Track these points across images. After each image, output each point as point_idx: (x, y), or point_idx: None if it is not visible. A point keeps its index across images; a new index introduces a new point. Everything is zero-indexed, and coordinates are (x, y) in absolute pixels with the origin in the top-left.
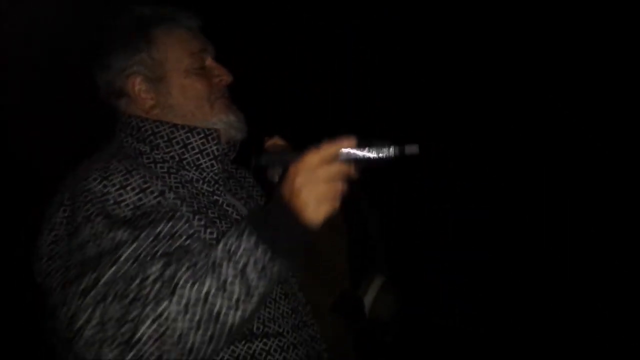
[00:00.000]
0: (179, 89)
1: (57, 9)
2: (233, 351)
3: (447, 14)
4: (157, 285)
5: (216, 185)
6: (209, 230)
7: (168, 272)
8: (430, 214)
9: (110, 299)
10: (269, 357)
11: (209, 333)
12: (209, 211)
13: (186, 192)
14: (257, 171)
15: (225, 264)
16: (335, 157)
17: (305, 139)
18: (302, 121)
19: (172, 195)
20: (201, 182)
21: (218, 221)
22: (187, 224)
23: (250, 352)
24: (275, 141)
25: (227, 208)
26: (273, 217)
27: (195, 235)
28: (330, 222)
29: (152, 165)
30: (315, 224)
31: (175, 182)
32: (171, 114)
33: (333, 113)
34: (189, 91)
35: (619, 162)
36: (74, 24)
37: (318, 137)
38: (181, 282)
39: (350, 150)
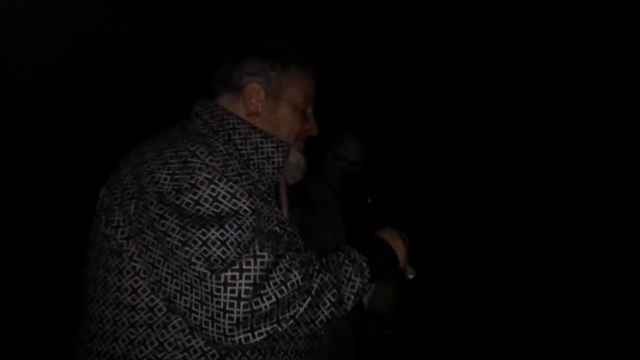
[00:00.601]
0: (283, 113)
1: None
2: (257, 347)
3: (446, 15)
4: (297, 261)
5: (270, 191)
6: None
7: (302, 257)
8: (431, 213)
9: (257, 247)
10: (286, 357)
11: (317, 314)
12: (264, 208)
13: (253, 187)
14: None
15: (341, 267)
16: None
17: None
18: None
19: (245, 183)
20: (260, 183)
21: (268, 220)
22: (274, 212)
23: (271, 350)
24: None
25: (277, 210)
26: (380, 248)
27: (272, 232)
28: (330, 216)
29: (228, 157)
30: (401, 265)
31: (245, 176)
32: (261, 125)
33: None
34: (288, 122)
35: (618, 163)
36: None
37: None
38: (323, 268)
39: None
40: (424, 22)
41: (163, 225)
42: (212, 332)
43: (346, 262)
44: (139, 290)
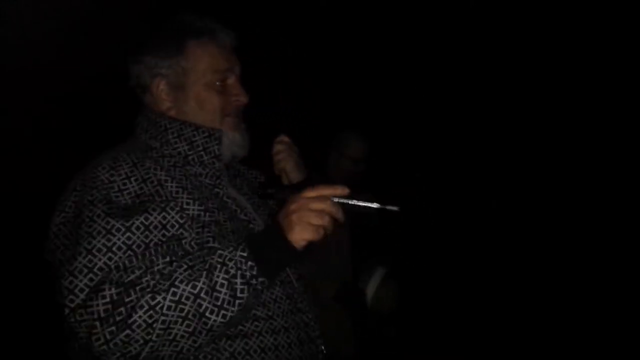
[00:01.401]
0: (196, 99)
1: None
2: (225, 332)
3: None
4: (157, 277)
5: (217, 180)
6: (207, 214)
7: (169, 268)
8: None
9: (106, 283)
10: (260, 337)
11: (191, 328)
12: (209, 201)
13: (189, 183)
14: (263, 196)
15: (218, 270)
16: (328, 198)
17: (304, 138)
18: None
19: (174, 184)
20: (204, 176)
21: (217, 211)
22: (178, 215)
23: (243, 332)
24: (283, 139)
25: (227, 200)
26: (265, 235)
27: (188, 223)
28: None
29: (161, 159)
30: (297, 245)
31: (179, 175)
32: (183, 118)
33: (336, 112)
34: (205, 104)
35: (617, 163)
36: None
37: (317, 137)
38: (179, 279)
39: (342, 198)
40: (423, 22)
41: (53, 259)
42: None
43: (226, 261)
44: None
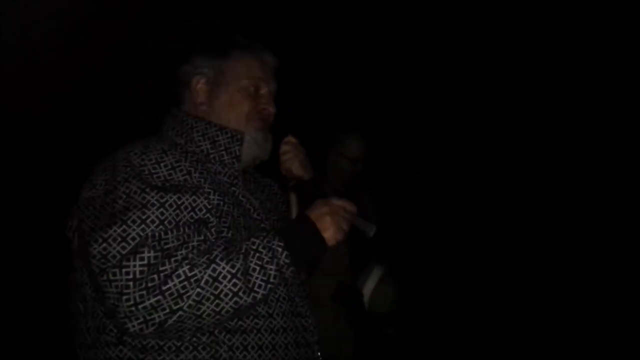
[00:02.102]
0: (227, 98)
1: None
2: (225, 326)
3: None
4: (195, 252)
5: (235, 180)
6: (226, 205)
7: (204, 246)
8: (431, 212)
9: (145, 247)
10: (259, 335)
11: (220, 307)
12: (225, 197)
13: (209, 177)
14: (293, 188)
15: (251, 255)
16: (348, 209)
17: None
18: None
19: (197, 175)
20: (222, 174)
21: (232, 207)
22: (206, 200)
23: (242, 328)
24: (290, 139)
25: (242, 199)
26: (301, 231)
27: (214, 210)
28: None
29: (185, 155)
30: (330, 243)
31: (201, 169)
32: (213, 115)
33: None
34: (234, 104)
35: (616, 163)
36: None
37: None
38: (219, 257)
39: (353, 214)
40: (423, 22)
41: (81, 229)
42: (116, 324)
43: (259, 249)
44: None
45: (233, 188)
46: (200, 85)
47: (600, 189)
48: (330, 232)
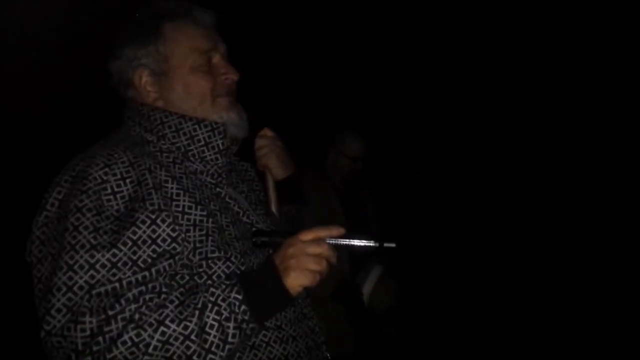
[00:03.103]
0: (182, 85)
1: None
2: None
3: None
4: (143, 309)
5: (219, 179)
6: (211, 220)
7: (157, 300)
8: (431, 212)
9: (87, 314)
10: (269, 348)
11: None
12: (211, 203)
13: (189, 182)
14: (257, 245)
15: (209, 309)
16: (324, 240)
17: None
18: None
19: (174, 185)
20: (205, 174)
21: (219, 213)
22: (171, 227)
23: (251, 344)
24: (265, 132)
25: (229, 201)
26: (260, 279)
27: (180, 237)
28: (331, 211)
29: (158, 154)
30: (293, 291)
31: (179, 172)
32: (174, 108)
33: (335, 111)
34: (192, 88)
35: (616, 163)
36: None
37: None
38: (169, 318)
39: (337, 238)
40: (424, 22)
41: (32, 260)
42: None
43: (218, 301)
44: None
45: (218, 189)
46: (144, 79)
47: (600, 189)
48: (291, 278)
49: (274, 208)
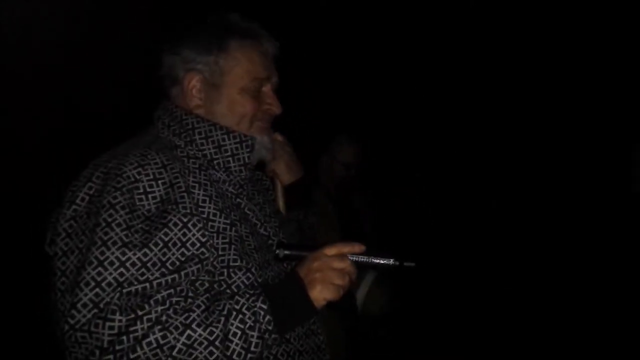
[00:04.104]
0: (228, 101)
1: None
2: None
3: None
4: (170, 311)
5: (240, 190)
6: (234, 229)
7: (183, 304)
8: (431, 211)
9: (117, 312)
10: None
11: None
12: (232, 213)
13: (213, 190)
14: (279, 259)
15: (233, 317)
16: (347, 256)
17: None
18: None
19: (201, 192)
20: (227, 183)
21: (238, 224)
22: (201, 231)
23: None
24: (275, 137)
25: (248, 212)
26: (285, 291)
27: (209, 243)
28: (325, 217)
29: (185, 159)
30: (318, 304)
31: (204, 179)
32: (212, 118)
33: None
34: (237, 107)
35: (616, 163)
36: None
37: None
38: (196, 322)
39: (359, 255)
40: (423, 23)
41: (56, 252)
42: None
43: (243, 309)
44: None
45: (238, 200)
46: (194, 83)
47: (600, 188)
48: (317, 291)
49: (281, 205)
